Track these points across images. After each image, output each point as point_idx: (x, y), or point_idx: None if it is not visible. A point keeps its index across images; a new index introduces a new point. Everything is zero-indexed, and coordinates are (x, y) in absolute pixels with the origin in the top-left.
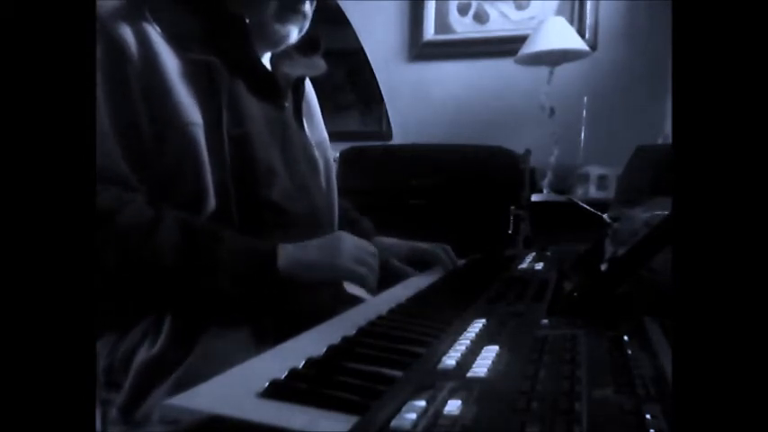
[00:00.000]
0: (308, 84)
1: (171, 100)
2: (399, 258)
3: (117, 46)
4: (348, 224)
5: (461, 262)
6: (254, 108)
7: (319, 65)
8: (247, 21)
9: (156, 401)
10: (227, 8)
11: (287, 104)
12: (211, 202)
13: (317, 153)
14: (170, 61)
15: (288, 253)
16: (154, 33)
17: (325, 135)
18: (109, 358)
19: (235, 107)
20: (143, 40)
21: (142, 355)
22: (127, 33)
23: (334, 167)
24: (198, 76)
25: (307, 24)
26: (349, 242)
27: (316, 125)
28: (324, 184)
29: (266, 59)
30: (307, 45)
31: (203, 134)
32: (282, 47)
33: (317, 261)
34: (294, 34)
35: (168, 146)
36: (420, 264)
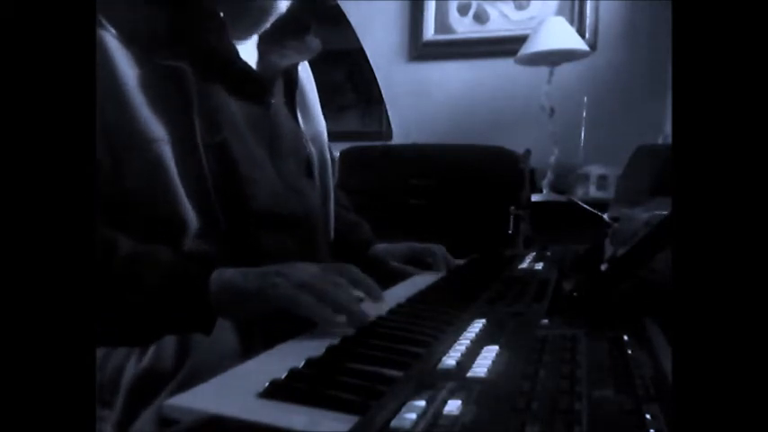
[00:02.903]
0: (303, 71)
1: (131, 116)
2: (398, 260)
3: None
4: (346, 227)
5: (461, 262)
6: (234, 110)
7: (311, 46)
8: (221, 14)
9: (150, 416)
10: (198, 1)
11: (273, 100)
12: (192, 221)
13: (311, 147)
14: (130, 71)
15: (223, 279)
16: (109, 39)
17: (323, 127)
18: (98, 375)
19: (210, 114)
20: (97, 49)
21: (130, 370)
22: None
23: (329, 161)
24: (164, 85)
25: None
26: (300, 268)
27: (312, 117)
28: (318, 180)
29: (251, 48)
30: (295, 26)
31: (171, 150)
32: (269, 20)
33: (253, 289)
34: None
35: (132, 167)
36: (419, 264)
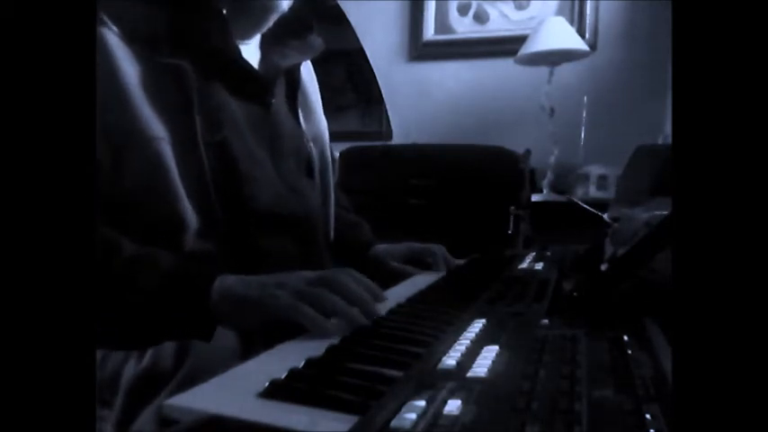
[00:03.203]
0: (306, 70)
1: (131, 114)
2: (397, 260)
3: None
4: (346, 228)
5: (461, 262)
6: (234, 110)
7: (314, 45)
8: (224, 11)
9: (149, 417)
10: (201, 0)
11: (274, 100)
12: (192, 220)
13: (312, 148)
14: (131, 68)
15: (224, 287)
16: (111, 37)
17: (324, 127)
18: (98, 375)
19: (211, 113)
20: (97, 46)
21: (130, 370)
22: None
23: (330, 162)
24: (165, 84)
25: None
26: (300, 277)
27: (313, 117)
28: (318, 181)
29: (254, 48)
30: (298, 26)
31: (171, 148)
32: (271, 20)
33: (253, 299)
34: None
35: (132, 166)
36: (418, 264)
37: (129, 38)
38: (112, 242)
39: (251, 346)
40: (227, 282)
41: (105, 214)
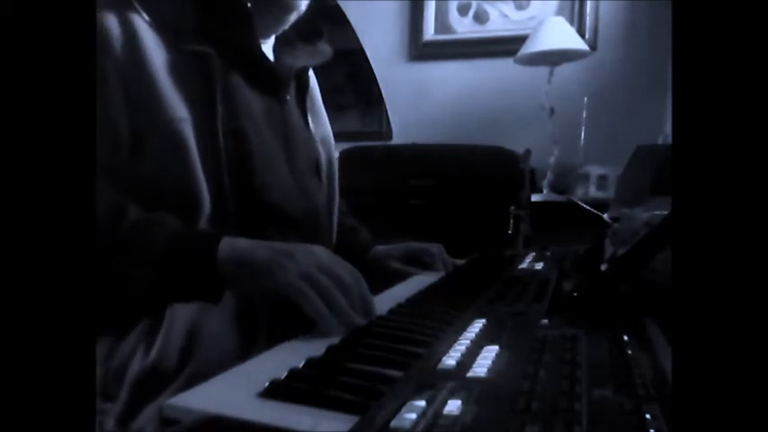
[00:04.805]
0: (311, 76)
1: (156, 95)
2: (397, 260)
3: (98, 37)
4: (346, 232)
5: (461, 262)
6: (253, 102)
7: (324, 51)
8: (249, 5)
9: (153, 413)
10: None
11: (289, 97)
12: (206, 203)
13: (320, 149)
14: (158, 53)
15: (232, 246)
16: (141, 23)
17: (329, 130)
18: (102, 369)
19: (231, 101)
20: (128, 31)
21: (136, 365)
22: (110, 23)
23: (336, 165)
24: (190, 69)
25: None
26: (310, 253)
27: (320, 120)
28: (325, 182)
29: (268, 48)
30: (309, 31)
31: (192, 131)
32: (290, 19)
33: (261, 265)
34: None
35: (153, 144)
36: (417, 263)
37: (159, 26)
38: (120, 207)
39: (255, 342)
40: (236, 243)
41: (124, 192)
